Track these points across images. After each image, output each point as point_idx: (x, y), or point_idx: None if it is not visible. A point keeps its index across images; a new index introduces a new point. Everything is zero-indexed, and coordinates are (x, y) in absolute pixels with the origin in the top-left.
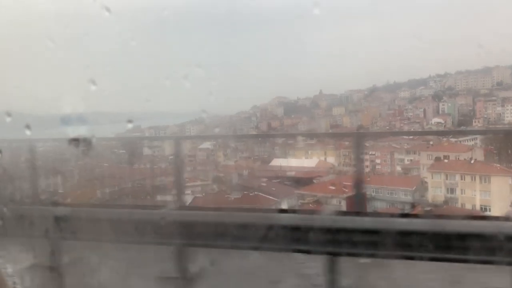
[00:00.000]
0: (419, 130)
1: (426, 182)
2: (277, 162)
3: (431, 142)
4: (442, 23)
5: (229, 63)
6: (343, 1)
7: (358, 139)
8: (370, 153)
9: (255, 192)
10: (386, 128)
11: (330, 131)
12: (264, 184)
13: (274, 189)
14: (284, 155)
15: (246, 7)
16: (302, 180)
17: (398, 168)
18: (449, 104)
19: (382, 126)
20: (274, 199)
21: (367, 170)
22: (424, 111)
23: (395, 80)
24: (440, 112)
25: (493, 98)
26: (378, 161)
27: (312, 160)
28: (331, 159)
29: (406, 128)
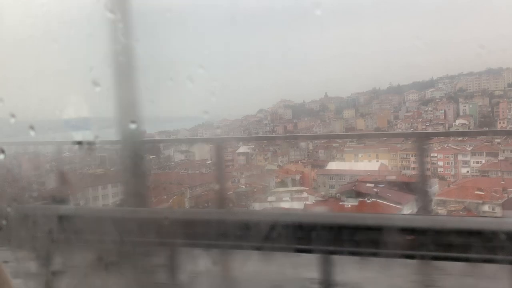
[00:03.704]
0: (443, 131)
1: None
2: (334, 165)
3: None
4: (443, 24)
5: (230, 64)
6: (343, 1)
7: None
8: (432, 155)
9: (372, 199)
10: (411, 130)
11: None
12: (376, 190)
13: (389, 195)
14: (331, 158)
15: (246, 6)
16: (407, 186)
17: (464, 171)
18: (470, 106)
19: (405, 128)
20: (396, 206)
21: (428, 173)
22: (445, 112)
23: (399, 83)
24: (461, 113)
25: None
26: (440, 163)
27: (373, 163)
28: (384, 162)
29: (430, 129)
